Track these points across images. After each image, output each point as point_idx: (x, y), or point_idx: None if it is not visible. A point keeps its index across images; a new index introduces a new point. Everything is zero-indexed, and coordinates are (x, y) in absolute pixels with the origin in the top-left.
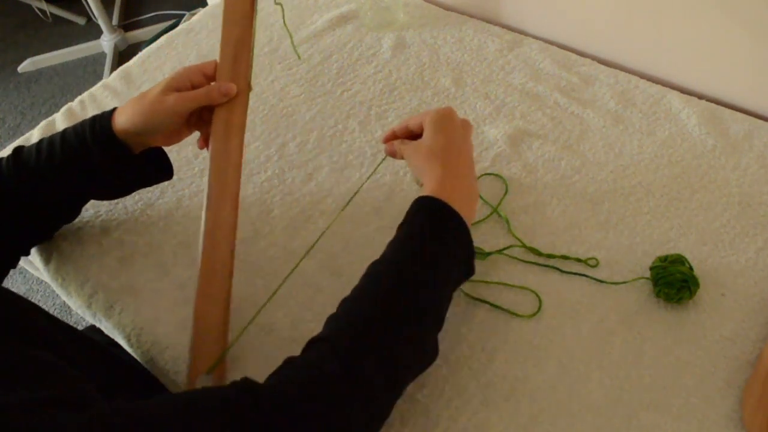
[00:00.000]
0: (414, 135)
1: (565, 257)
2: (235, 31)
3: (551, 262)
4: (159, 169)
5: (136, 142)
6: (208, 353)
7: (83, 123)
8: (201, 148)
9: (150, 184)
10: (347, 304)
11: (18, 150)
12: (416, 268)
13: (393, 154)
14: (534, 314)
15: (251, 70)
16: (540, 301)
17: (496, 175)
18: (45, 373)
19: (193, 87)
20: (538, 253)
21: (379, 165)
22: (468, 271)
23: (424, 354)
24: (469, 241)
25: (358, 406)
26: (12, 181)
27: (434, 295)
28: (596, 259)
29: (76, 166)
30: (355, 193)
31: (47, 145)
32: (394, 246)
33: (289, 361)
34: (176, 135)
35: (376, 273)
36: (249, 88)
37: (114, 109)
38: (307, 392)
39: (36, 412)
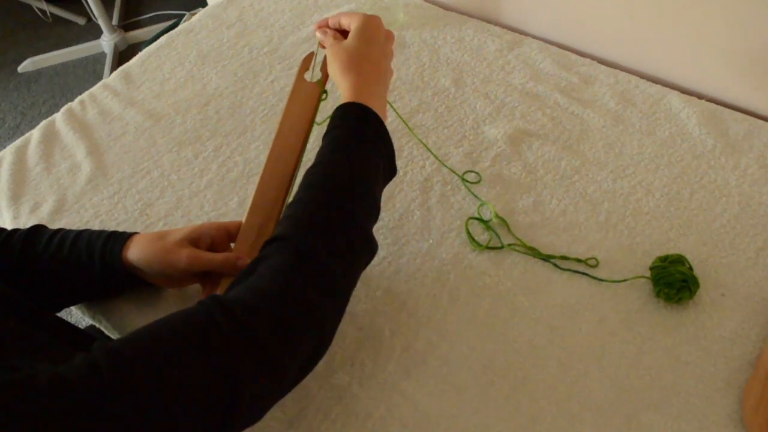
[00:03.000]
0: (343, 31)
1: (564, 257)
2: (267, 195)
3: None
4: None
5: (139, 274)
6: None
7: (99, 236)
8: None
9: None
10: (294, 207)
11: (34, 230)
12: (350, 165)
13: (323, 44)
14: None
15: None
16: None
17: (475, 172)
18: (38, 349)
19: (213, 242)
20: (538, 254)
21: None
22: (391, 170)
23: (368, 242)
24: (389, 138)
25: (322, 292)
26: (16, 256)
27: (367, 187)
28: (596, 259)
29: (74, 273)
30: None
31: (57, 242)
32: (327, 149)
33: (248, 272)
34: (179, 282)
35: (315, 175)
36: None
37: (132, 236)
38: (277, 294)
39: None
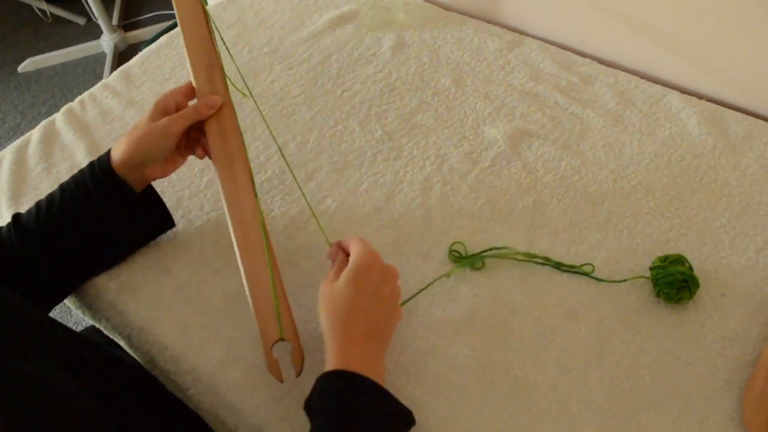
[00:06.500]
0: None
1: (559, 264)
2: (201, 60)
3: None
4: (159, 217)
5: (135, 177)
6: (272, 321)
7: (81, 170)
8: (201, 157)
9: (153, 233)
10: None
11: (16, 216)
12: None
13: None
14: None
15: (227, 87)
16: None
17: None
18: (39, 397)
19: (178, 108)
20: (533, 257)
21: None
22: (408, 420)
23: None
24: (392, 401)
25: None
26: (14, 247)
27: None
28: (591, 265)
29: (76, 214)
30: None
31: (46, 201)
32: None
33: None
34: (171, 163)
35: None
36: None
37: (108, 151)
38: None
39: None
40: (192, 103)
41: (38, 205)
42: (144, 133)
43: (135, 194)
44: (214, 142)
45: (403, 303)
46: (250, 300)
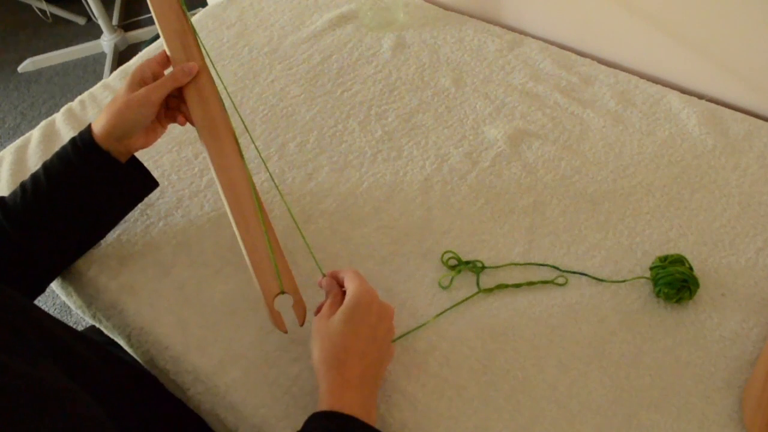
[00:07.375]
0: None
1: (530, 283)
2: (172, 27)
3: (528, 277)
4: (144, 182)
5: (118, 149)
6: (271, 275)
7: (63, 146)
8: (183, 124)
9: (140, 197)
10: None
11: (1, 199)
12: None
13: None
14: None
15: (201, 53)
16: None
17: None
18: (38, 397)
19: (155, 78)
20: (504, 286)
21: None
22: None
23: None
24: None
25: None
26: (3, 230)
27: None
28: (565, 277)
29: (63, 190)
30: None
31: (31, 181)
32: None
33: None
34: (153, 133)
35: None
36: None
37: (89, 126)
38: None
39: None
40: (168, 71)
41: (23, 185)
42: (123, 104)
43: (120, 165)
44: (195, 108)
45: (396, 339)
46: (247, 258)
